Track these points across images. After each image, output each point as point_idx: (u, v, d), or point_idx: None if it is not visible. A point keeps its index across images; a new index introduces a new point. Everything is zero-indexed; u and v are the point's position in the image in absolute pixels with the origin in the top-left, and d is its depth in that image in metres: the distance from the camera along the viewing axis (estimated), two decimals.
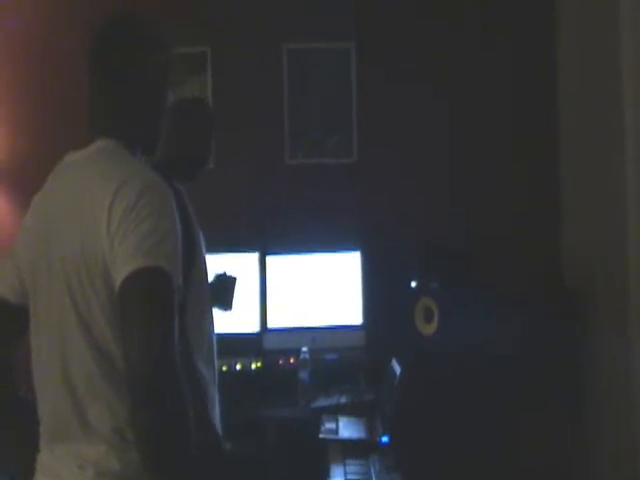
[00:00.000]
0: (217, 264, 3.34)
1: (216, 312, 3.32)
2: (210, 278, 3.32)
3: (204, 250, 3.16)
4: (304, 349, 4.04)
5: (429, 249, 4.30)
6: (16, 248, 1.97)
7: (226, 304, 3.50)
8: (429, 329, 4.03)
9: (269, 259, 4.31)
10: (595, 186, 4.05)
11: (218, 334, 3.18)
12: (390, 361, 3.74)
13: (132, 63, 1.92)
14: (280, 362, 4.17)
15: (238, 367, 4.10)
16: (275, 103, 4.63)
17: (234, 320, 3.71)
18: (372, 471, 3.07)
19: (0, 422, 2.06)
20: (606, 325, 3.92)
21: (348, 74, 4.63)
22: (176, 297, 1.67)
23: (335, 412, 3.76)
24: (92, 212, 1.72)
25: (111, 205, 1.70)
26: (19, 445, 1.98)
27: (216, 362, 3.19)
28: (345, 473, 3.08)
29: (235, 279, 3.54)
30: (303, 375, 3.97)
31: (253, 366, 4.14)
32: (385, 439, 3.34)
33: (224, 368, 3.26)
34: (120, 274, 1.65)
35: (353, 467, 3.14)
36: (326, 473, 3.11)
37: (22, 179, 4.51)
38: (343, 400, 3.93)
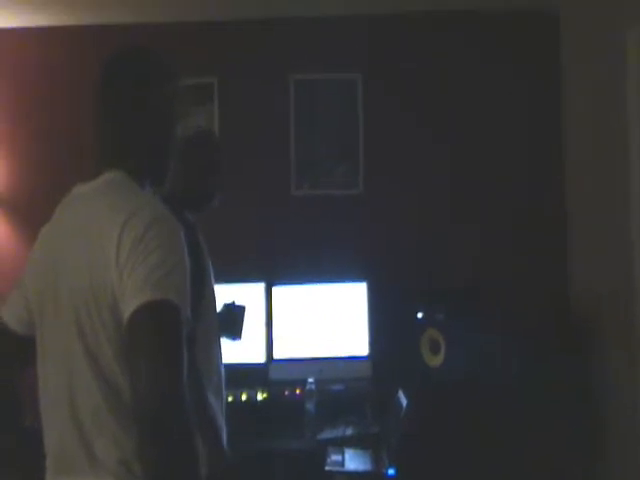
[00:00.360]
0: (223, 294, 3.34)
1: (225, 342, 3.31)
2: (219, 307, 3.32)
3: (213, 281, 3.16)
4: (310, 380, 4.02)
5: (435, 281, 4.31)
6: (24, 279, 1.97)
7: (235, 333, 3.48)
8: (435, 360, 4.01)
9: (275, 289, 4.31)
10: (602, 222, 4.06)
11: (224, 364, 3.17)
12: (396, 392, 3.74)
13: (140, 94, 1.91)
14: (286, 393, 4.16)
15: (244, 398, 4.08)
16: (282, 134, 4.65)
17: (240, 350, 3.70)
18: None
19: (5, 455, 2.05)
20: (612, 358, 3.91)
21: (355, 105, 4.65)
22: (184, 330, 1.67)
23: (341, 444, 3.75)
24: (101, 244, 1.72)
25: (120, 237, 1.69)
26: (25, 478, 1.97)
27: (224, 393, 3.18)
28: None
29: (244, 308, 3.53)
30: (309, 406, 3.96)
31: (259, 397, 4.13)
32: (391, 471, 3.33)
33: (230, 399, 3.25)
34: (128, 307, 1.65)
35: None
36: None
37: (24, 209, 4.55)
38: (349, 432, 3.91)
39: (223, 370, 3.16)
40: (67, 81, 4.60)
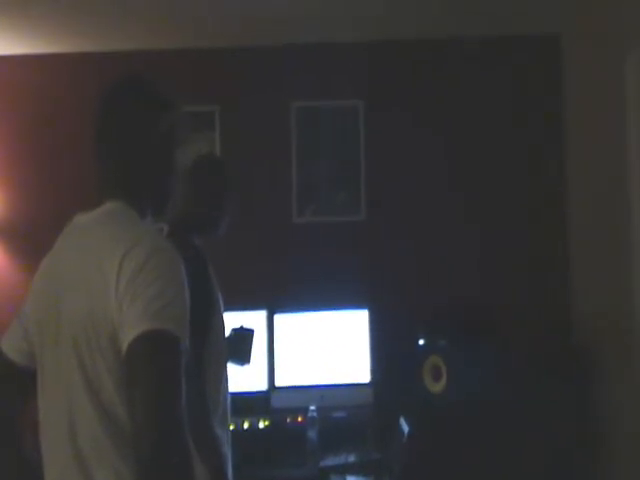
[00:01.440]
0: (226, 322, 3.33)
1: (233, 368, 3.31)
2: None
3: (223, 309, 3.16)
4: (312, 407, 4.02)
5: (437, 308, 4.31)
6: (24, 309, 1.97)
7: (244, 359, 3.46)
8: (437, 387, 4.01)
9: (277, 317, 4.32)
10: (602, 248, 4.06)
11: None
12: (398, 419, 3.73)
13: (139, 124, 1.92)
14: (288, 420, 4.15)
15: (246, 426, 4.08)
16: (283, 161, 4.67)
17: (242, 378, 3.69)
18: None
19: None
20: (615, 383, 3.90)
21: (356, 132, 4.67)
22: (183, 360, 1.66)
23: (343, 471, 3.74)
24: (101, 275, 1.72)
25: (120, 268, 1.70)
26: None
27: (230, 422, 3.17)
28: None
29: (253, 332, 3.51)
30: (311, 434, 3.95)
31: (261, 424, 4.12)
32: None
33: (231, 427, 3.24)
34: (127, 337, 1.65)
35: None
36: None
37: (22, 237, 4.57)
38: (351, 459, 3.90)
39: (229, 400, 3.15)
40: (67, 109, 4.62)
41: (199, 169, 3.29)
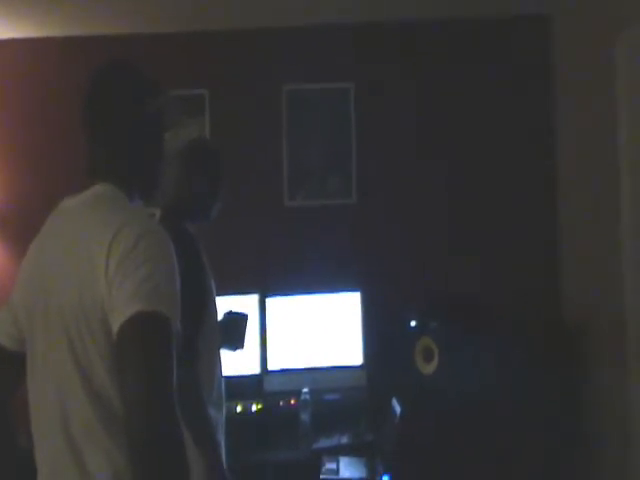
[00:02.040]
0: (218, 306, 3.33)
1: (226, 352, 3.31)
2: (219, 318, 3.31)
3: (215, 294, 3.16)
4: (305, 390, 4.03)
5: (428, 290, 4.32)
6: (13, 295, 1.96)
7: (237, 343, 3.45)
8: (429, 368, 4.03)
9: (269, 300, 4.32)
10: (592, 231, 4.08)
11: None
12: (390, 401, 3.74)
13: (127, 109, 1.92)
14: (281, 403, 4.16)
15: (239, 409, 4.09)
16: (274, 145, 4.66)
17: (234, 362, 3.69)
18: None
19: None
20: (604, 364, 3.92)
21: (347, 114, 4.67)
22: (174, 341, 1.66)
23: (336, 453, 3.75)
24: (90, 259, 1.71)
25: (109, 251, 1.69)
26: None
27: (224, 406, 3.18)
28: None
29: (247, 316, 3.50)
30: (304, 416, 3.96)
31: (254, 408, 4.13)
32: (385, 478, 3.34)
33: (224, 411, 3.26)
34: (118, 319, 1.64)
35: None
36: None
37: (14, 224, 4.55)
38: (344, 440, 3.91)
39: (223, 384, 3.16)
40: (57, 92, 4.59)
41: (193, 154, 3.28)
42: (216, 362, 3.08)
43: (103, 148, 1.93)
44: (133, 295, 1.65)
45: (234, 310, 3.50)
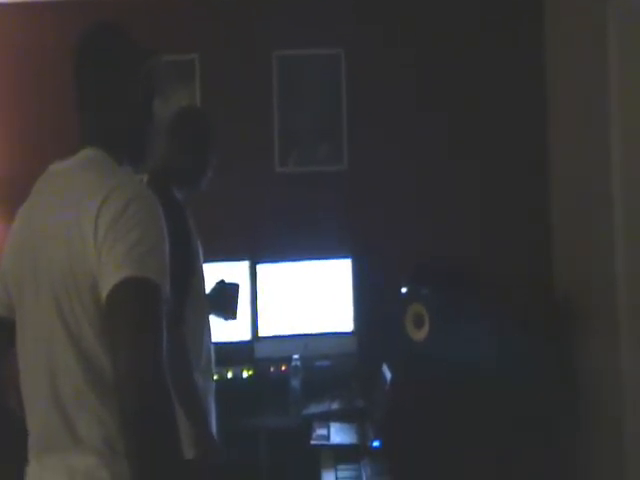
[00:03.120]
0: (208, 273, 3.33)
1: (218, 321, 3.31)
2: (209, 287, 3.31)
3: (202, 260, 3.15)
4: (295, 356, 4.04)
5: (420, 257, 4.32)
6: (2, 261, 1.95)
7: (229, 313, 3.45)
8: (419, 335, 4.04)
9: (260, 267, 4.32)
10: (584, 207, 4.08)
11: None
12: (381, 367, 3.75)
13: (116, 73, 1.90)
14: (272, 370, 4.18)
15: (229, 375, 4.10)
16: (265, 111, 4.63)
17: (225, 328, 3.70)
18: (363, 476, 3.09)
19: None
20: (596, 333, 3.93)
21: (338, 81, 4.64)
22: (164, 307, 1.66)
23: (326, 418, 3.77)
24: (78, 223, 1.70)
25: (98, 215, 1.68)
26: (7, 460, 1.97)
27: (214, 373, 3.19)
28: (336, 478, 3.10)
29: (238, 286, 3.50)
30: (294, 382, 3.98)
31: (245, 374, 4.15)
32: (376, 444, 3.36)
33: (215, 377, 3.27)
34: (107, 284, 1.63)
35: (344, 472, 3.16)
36: (318, 479, 3.12)
37: (4, 192, 4.49)
38: (335, 406, 3.92)
39: (213, 351, 3.16)
40: (51, 57, 4.50)
41: (183, 122, 3.26)
42: (203, 328, 3.08)
43: (92, 113, 1.91)
44: (123, 260, 1.64)
45: (226, 280, 3.50)
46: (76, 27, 1.95)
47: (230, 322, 3.49)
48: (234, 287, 3.48)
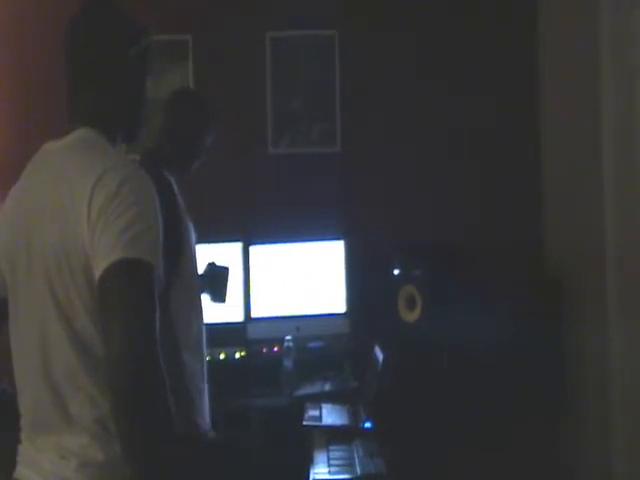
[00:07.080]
0: (201, 254, 3.32)
1: (207, 303, 3.31)
2: (201, 269, 3.30)
3: (194, 242, 3.14)
4: (288, 337, 4.04)
5: (412, 239, 4.33)
6: None
7: (218, 296, 3.46)
8: (412, 316, 4.05)
9: (252, 248, 4.31)
10: (575, 184, 4.09)
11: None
12: (373, 348, 3.76)
13: (109, 52, 1.89)
14: (264, 351, 4.18)
15: (222, 356, 4.10)
16: (258, 92, 4.61)
17: (218, 309, 3.70)
18: (355, 456, 3.10)
19: None
20: (586, 313, 3.95)
21: (332, 62, 4.62)
22: (157, 289, 1.66)
23: (319, 399, 3.78)
24: (72, 203, 1.70)
25: (91, 196, 1.68)
26: None
27: (205, 354, 3.18)
28: (329, 459, 3.11)
29: (228, 269, 3.50)
30: (287, 363, 3.98)
31: (237, 355, 4.15)
32: (368, 425, 3.37)
33: (208, 358, 3.27)
34: (101, 264, 1.64)
35: (336, 453, 3.17)
36: (310, 459, 3.14)
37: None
38: (327, 387, 3.95)
39: (204, 332, 3.16)
40: (36, 31, 4.47)
41: (179, 104, 3.25)
42: (193, 309, 3.07)
43: (85, 92, 1.90)
44: (116, 242, 1.64)
45: (216, 263, 3.50)
46: (64, 3, 1.93)
47: (218, 305, 3.49)
48: (224, 270, 3.48)
